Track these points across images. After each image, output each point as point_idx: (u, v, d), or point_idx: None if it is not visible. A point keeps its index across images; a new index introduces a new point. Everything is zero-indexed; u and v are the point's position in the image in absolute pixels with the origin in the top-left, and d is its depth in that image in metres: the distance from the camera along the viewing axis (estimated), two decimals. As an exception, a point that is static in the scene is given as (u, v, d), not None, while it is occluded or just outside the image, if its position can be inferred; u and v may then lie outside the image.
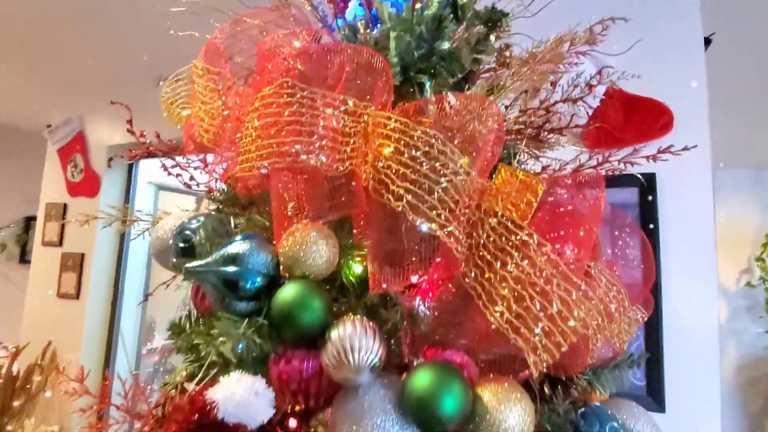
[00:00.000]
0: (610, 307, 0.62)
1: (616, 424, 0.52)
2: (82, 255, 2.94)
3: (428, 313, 0.53)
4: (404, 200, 0.49)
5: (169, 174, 0.72)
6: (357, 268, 0.61)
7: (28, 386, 2.67)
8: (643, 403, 1.45)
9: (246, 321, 0.49)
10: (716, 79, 1.64)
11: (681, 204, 1.55)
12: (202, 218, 0.62)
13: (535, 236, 0.47)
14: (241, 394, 0.44)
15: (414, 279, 0.62)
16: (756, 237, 4.11)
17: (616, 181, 1.60)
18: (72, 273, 2.95)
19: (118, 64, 2.58)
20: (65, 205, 3.08)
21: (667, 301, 1.49)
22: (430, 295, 0.59)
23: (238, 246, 0.52)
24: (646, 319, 0.86)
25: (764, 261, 4.00)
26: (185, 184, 0.73)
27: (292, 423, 0.68)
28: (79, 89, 2.94)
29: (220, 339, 0.49)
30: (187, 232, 0.60)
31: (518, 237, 0.47)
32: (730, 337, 4.07)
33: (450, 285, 0.57)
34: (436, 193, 0.48)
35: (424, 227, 0.49)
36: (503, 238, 0.48)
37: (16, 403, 2.57)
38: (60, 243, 3.05)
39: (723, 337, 4.03)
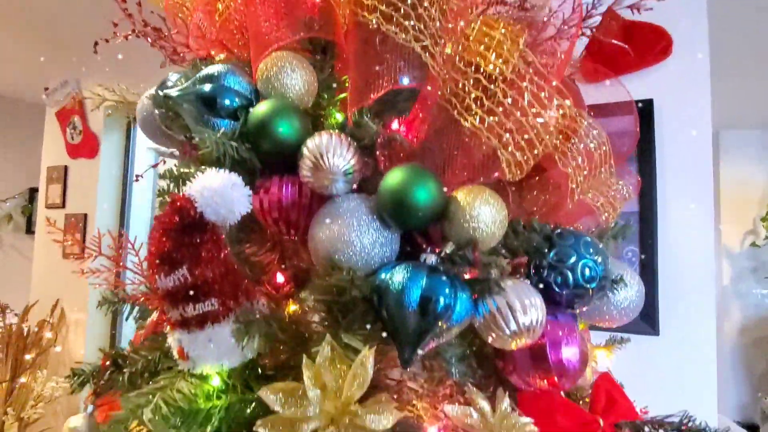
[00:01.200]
0: (590, 146, 0.62)
1: (589, 239, 0.52)
2: (85, 215, 2.97)
3: (405, 138, 0.53)
4: (378, 11, 0.49)
5: (152, 46, 0.72)
6: (338, 116, 0.62)
7: (40, 341, 2.74)
8: (635, 326, 1.47)
9: (223, 130, 0.49)
10: (718, 35, 1.58)
11: (678, 128, 1.53)
12: (182, 71, 0.62)
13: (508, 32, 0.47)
14: (218, 184, 0.45)
15: (394, 126, 0.62)
16: (762, 197, 4.05)
17: (613, 109, 1.59)
18: (76, 234, 2.99)
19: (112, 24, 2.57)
20: (66, 168, 3.11)
21: (663, 222, 1.49)
22: (410, 136, 0.59)
23: (213, 68, 0.52)
24: (632, 197, 0.87)
25: (770, 220, 3.93)
26: (170, 58, 0.73)
27: (280, 278, 0.70)
28: (76, 52, 2.92)
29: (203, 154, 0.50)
30: (168, 83, 0.60)
31: (493, 37, 0.47)
32: (734, 298, 4.06)
33: (426, 119, 0.57)
34: (408, 1, 0.48)
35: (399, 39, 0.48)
36: (477, 43, 0.48)
37: (28, 357, 2.64)
38: (63, 205, 3.09)
39: (727, 298, 4.03)
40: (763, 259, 3.92)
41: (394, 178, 0.46)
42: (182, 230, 0.46)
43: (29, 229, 4.26)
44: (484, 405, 0.45)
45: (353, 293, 0.44)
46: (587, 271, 0.50)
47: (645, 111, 1.59)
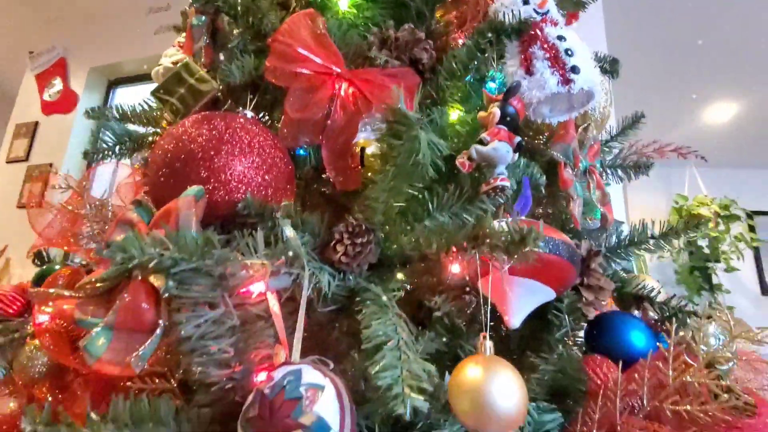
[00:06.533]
0: None
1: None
2: (50, 164, 3.02)
3: None
4: None
5: None
6: None
7: (-20, 278, 2.62)
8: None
9: None
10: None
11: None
12: None
13: None
14: None
15: None
16: (663, 219, 4.81)
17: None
18: (37, 183, 3.01)
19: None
20: (36, 123, 3.19)
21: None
22: None
23: None
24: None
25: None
26: None
27: None
28: (61, 27, 3.18)
29: None
30: None
31: None
32: (649, 310, 4.60)
33: None
34: None
35: None
36: None
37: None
38: (27, 158, 3.12)
39: (643, 310, 4.57)
40: (669, 273, 4.54)
41: None
42: None
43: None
44: None
45: None
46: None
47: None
